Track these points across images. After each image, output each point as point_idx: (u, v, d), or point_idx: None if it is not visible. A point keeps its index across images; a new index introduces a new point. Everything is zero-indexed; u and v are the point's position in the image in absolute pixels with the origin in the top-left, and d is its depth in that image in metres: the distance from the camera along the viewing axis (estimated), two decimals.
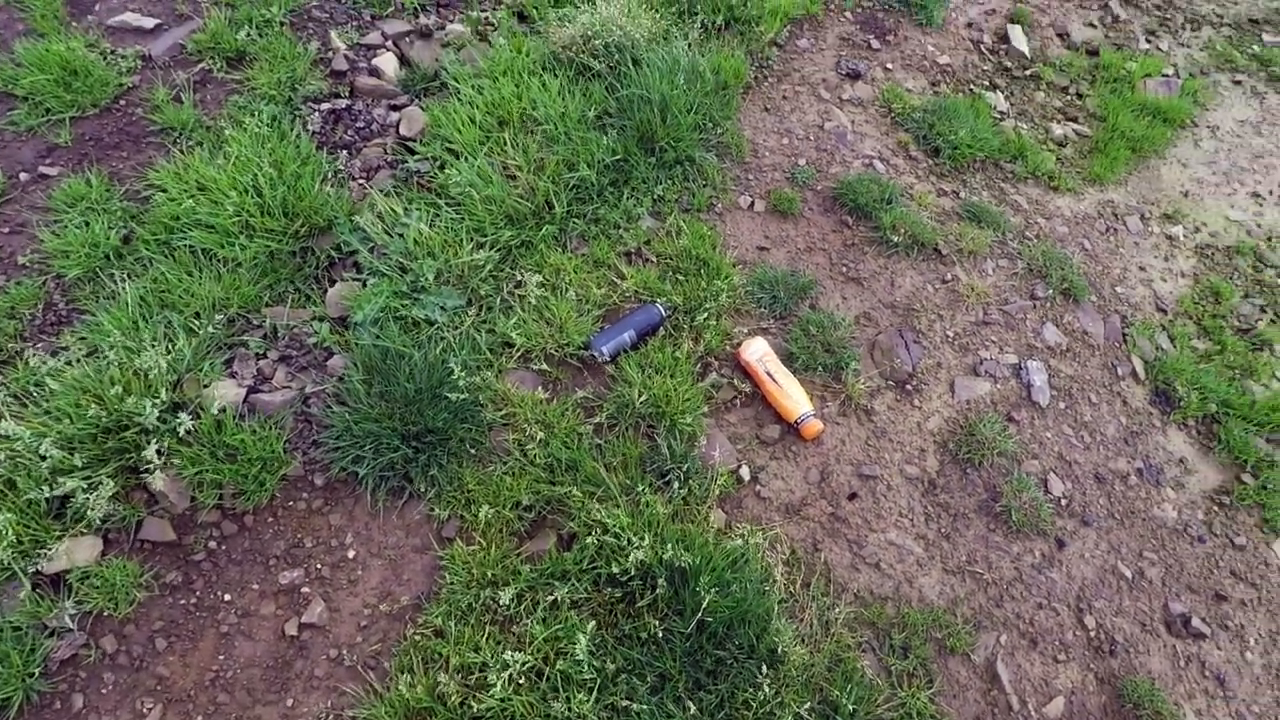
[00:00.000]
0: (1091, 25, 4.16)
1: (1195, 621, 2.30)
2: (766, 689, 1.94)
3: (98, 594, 1.92)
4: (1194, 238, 3.40)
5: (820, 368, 2.58)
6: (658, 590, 2.04)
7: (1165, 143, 3.70)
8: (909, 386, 2.61)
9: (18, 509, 1.89)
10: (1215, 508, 2.61)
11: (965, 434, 2.52)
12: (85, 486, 1.92)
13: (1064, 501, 2.48)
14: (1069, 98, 3.83)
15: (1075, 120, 3.73)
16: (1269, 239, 3.45)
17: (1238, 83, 4.08)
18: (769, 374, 2.49)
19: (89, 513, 1.91)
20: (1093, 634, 2.26)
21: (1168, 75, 3.97)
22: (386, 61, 3.18)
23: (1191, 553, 2.47)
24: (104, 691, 1.87)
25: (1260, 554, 2.51)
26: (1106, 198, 3.48)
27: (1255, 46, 4.27)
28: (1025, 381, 2.68)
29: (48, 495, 1.91)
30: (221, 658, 1.96)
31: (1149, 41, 4.16)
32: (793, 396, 2.45)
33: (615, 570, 2.05)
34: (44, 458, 1.92)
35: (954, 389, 2.62)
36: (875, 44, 3.74)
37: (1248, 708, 2.21)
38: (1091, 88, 3.87)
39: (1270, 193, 3.62)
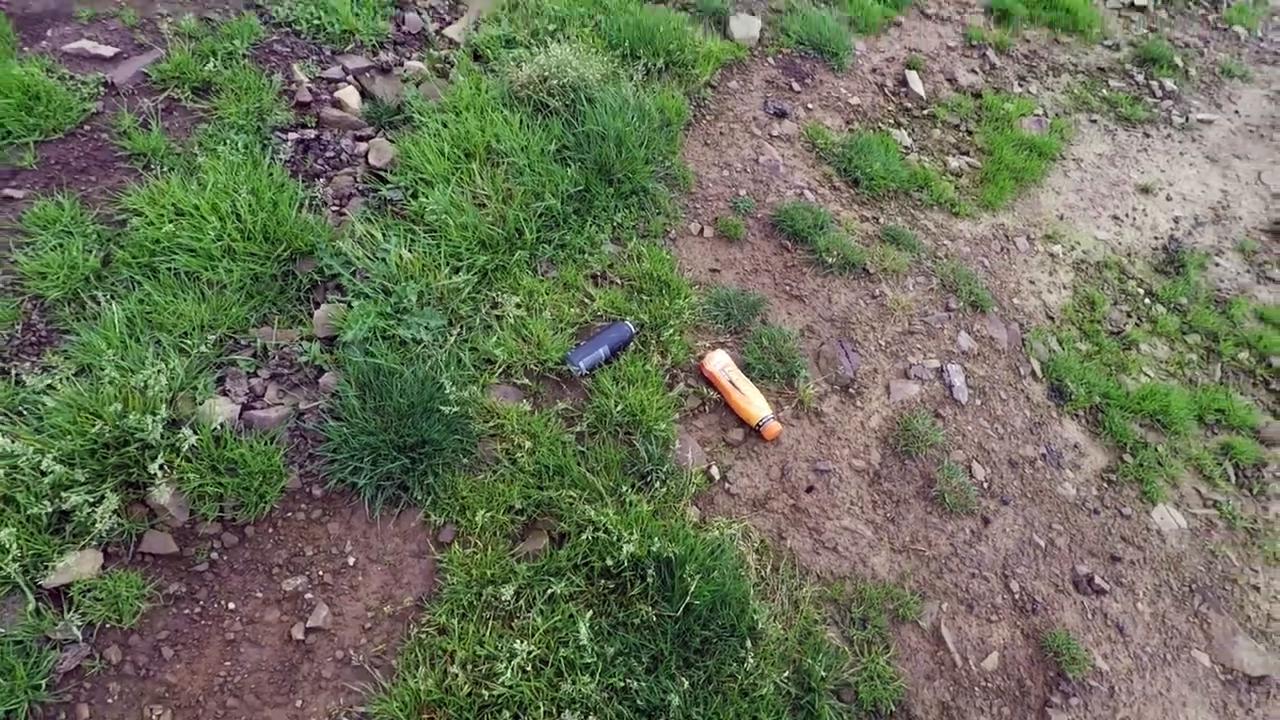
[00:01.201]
0: (974, 71, 4.77)
1: (1097, 580, 2.69)
2: (750, 662, 2.17)
3: (101, 606, 1.93)
4: (1070, 255, 3.95)
5: (775, 376, 2.87)
6: (648, 580, 2.24)
7: (1041, 173, 4.28)
8: (851, 390, 2.93)
9: (18, 524, 1.89)
10: (1105, 484, 3.05)
11: (902, 430, 2.86)
12: (90, 501, 1.94)
13: (986, 485, 2.86)
14: (961, 134, 4.37)
15: (967, 154, 4.26)
16: (1128, 255, 4.06)
17: (1094, 121, 4.77)
18: (731, 382, 2.75)
19: (96, 526, 1.93)
20: (1017, 596, 2.61)
21: (1038, 115, 4.60)
22: (349, 95, 3.30)
23: (1090, 523, 2.89)
24: (110, 701, 1.88)
25: (1143, 521, 2.96)
26: (998, 221, 3.99)
27: (1104, 91, 5.01)
28: (947, 382, 3.07)
29: (49, 510, 1.92)
30: (228, 664, 2.01)
31: (1020, 86, 4.81)
32: (754, 402, 2.73)
33: (609, 563, 2.23)
34: (45, 473, 1.93)
35: (889, 391, 2.97)
36: (796, 86, 4.16)
37: (1142, 649, 2.62)
38: (978, 125, 4.43)
39: (1126, 215, 4.25)
